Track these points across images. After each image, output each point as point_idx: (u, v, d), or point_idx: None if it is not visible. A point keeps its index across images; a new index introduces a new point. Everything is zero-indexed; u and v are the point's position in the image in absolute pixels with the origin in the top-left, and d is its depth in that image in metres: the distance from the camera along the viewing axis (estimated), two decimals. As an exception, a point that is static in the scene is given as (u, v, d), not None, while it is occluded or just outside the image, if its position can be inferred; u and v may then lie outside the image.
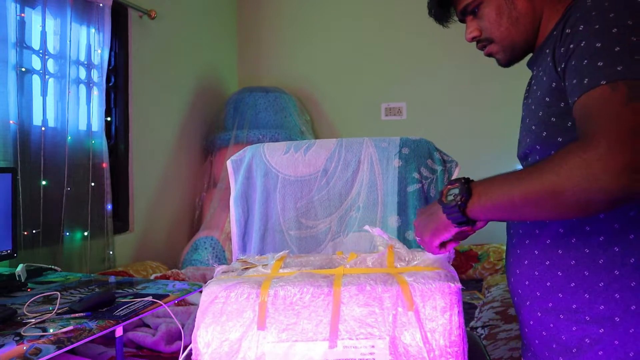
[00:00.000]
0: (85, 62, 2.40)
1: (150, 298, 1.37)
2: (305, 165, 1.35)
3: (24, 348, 1.00)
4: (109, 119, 2.69)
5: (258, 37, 3.94)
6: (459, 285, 0.81)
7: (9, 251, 1.66)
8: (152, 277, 2.32)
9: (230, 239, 1.86)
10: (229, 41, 3.91)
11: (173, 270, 2.52)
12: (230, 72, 3.91)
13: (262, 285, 0.83)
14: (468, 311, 2.32)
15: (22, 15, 2.09)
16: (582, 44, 0.70)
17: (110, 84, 2.70)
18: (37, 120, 2.15)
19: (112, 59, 2.71)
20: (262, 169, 1.37)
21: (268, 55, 3.92)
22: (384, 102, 3.66)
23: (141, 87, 2.84)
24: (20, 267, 1.59)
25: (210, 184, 3.33)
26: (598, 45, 0.69)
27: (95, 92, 2.42)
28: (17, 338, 1.05)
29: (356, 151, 1.34)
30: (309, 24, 3.84)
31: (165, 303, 1.36)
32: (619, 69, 0.66)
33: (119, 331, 1.37)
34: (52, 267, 1.77)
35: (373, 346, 0.78)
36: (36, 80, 2.16)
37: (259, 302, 0.81)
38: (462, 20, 0.94)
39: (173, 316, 1.40)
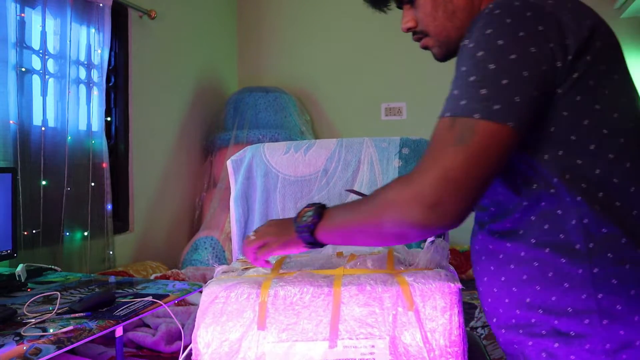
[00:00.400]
0: (85, 62, 2.40)
1: (150, 298, 1.36)
2: (305, 165, 1.35)
3: (24, 348, 1.00)
4: (109, 119, 2.68)
5: (258, 37, 3.94)
6: (459, 285, 0.81)
7: (9, 251, 1.66)
8: (152, 277, 2.32)
9: (230, 239, 1.86)
10: (229, 41, 3.91)
11: (173, 270, 2.52)
12: (230, 72, 3.91)
13: (262, 285, 0.83)
14: (468, 311, 2.32)
15: (22, 15, 2.09)
16: (458, 62, 0.70)
17: (110, 84, 2.70)
18: (37, 120, 2.15)
19: (112, 59, 2.71)
20: (262, 169, 1.37)
21: (268, 55, 3.92)
22: (384, 102, 3.65)
23: (141, 87, 2.84)
24: (20, 267, 1.59)
25: (210, 184, 3.33)
26: (463, 69, 0.68)
27: (95, 92, 2.42)
28: (17, 338, 1.05)
29: (356, 151, 1.34)
30: (309, 24, 3.84)
31: (165, 303, 1.36)
32: (462, 103, 0.65)
33: (119, 331, 1.37)
34: (52, 267, 1.77)
35: (373, 346, 0.78)
36: (36, 80, 2.16)
37: (259, 302, 0.81)
38: (400, 7, 0.91)
39: (173, 316, 1.40)
